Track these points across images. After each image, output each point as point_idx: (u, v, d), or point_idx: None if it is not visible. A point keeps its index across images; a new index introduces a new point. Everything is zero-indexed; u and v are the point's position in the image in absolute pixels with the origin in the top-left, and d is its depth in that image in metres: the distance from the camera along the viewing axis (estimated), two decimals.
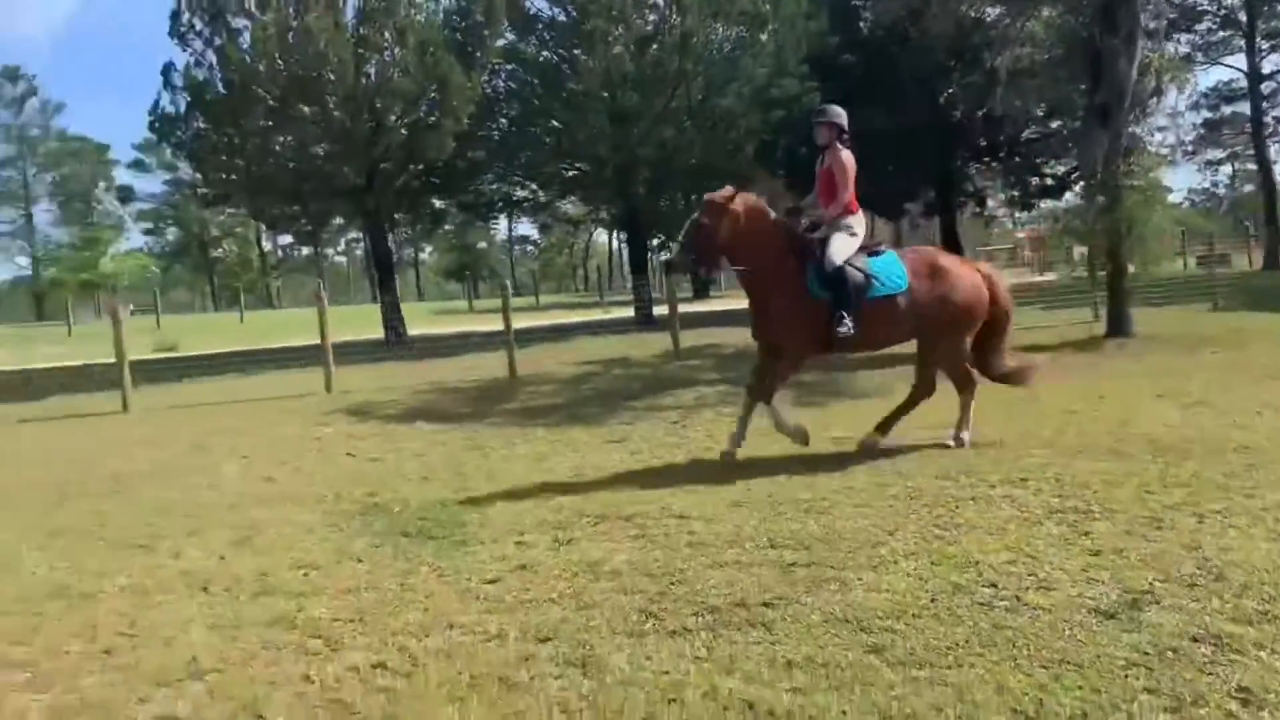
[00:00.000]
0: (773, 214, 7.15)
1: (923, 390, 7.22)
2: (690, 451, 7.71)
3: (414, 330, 22.35)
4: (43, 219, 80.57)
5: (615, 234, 44.92)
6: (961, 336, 7.03)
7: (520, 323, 15.99)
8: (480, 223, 49.00)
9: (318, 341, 14.49)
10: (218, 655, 4.09)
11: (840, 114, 7.14)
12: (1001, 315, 7.20)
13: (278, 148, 21.10)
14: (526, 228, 79.63)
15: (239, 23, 19.97)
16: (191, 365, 18.18)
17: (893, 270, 6.86)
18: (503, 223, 70.42)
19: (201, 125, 20.44)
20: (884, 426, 7.13)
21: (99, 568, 5.47)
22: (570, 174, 24.96)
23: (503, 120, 24.15)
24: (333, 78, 19.52)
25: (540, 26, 24.26)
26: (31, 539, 6.21)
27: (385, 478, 7.55)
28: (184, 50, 20.42)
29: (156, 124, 20.91)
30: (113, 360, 13.70)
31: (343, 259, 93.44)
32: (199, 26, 19.90)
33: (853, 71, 25.24)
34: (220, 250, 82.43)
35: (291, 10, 19.32)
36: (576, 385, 12.17)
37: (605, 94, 22.27)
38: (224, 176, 21.52)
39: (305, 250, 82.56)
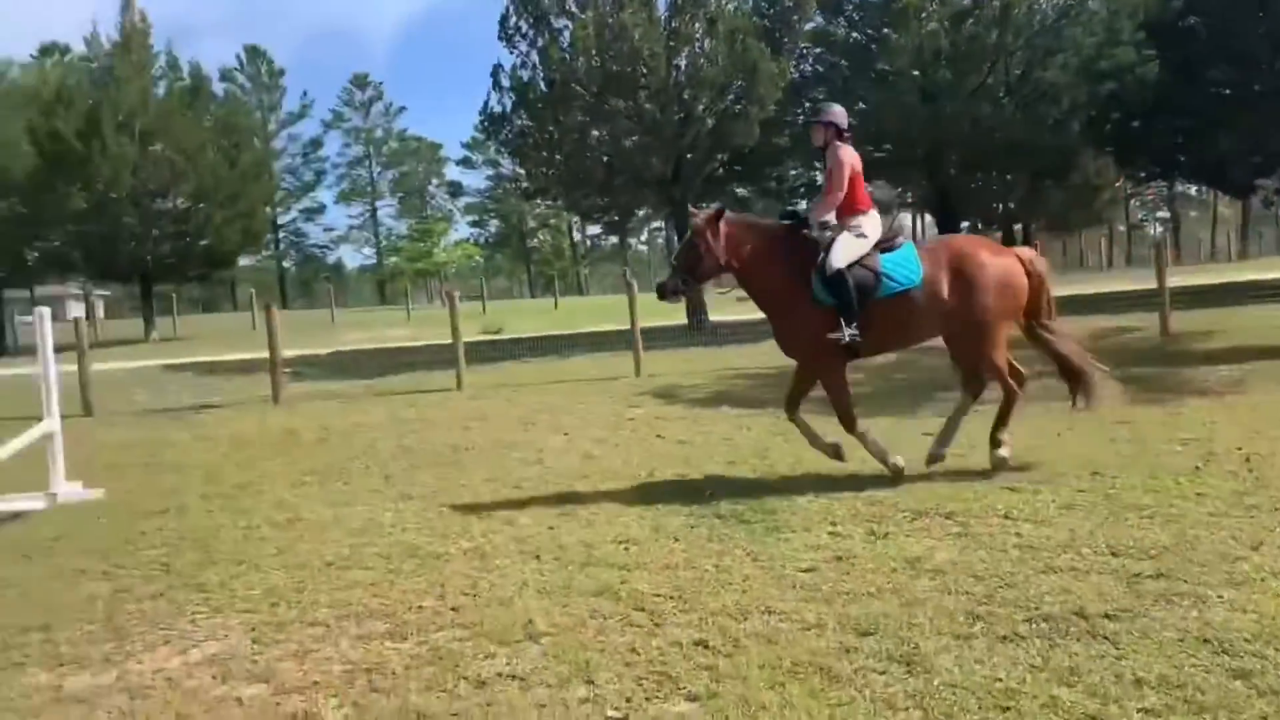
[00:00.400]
0: (767, 225, 6.89)
1: (1009, 388, 6.52)
2: (1011, 449, 7.29)
3: (714, 316, 22.70)
4: (385, 213, 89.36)
5: (922, 217, 43.39)
6: (994, 330, 6.37)
7: None
8: (780, 208, 49.03)
9: (625, 327, 15.04)
10: (550, 620, 4.34)
11: (838, 112, 6.73)
12: (1042, 303, 6.55)
13: (592, 142, 22.13)
14: None
15: (560, 23, 21.15)
16: (514, 347, 19.46)
17: (908, 264, 6.35)
18: (803, 207, 69.91)
19: (525, 123, 21.82)
20: (996, 442, 6.47)
21: (444, 531, 5.98)
22: (877, 156, 24.38)
23: (807, 104, 23.97)
24: (645, 71, 20.21)
25: (850, 7, 23.86)
26: (387, 503, 6.89)
27: (694, 459, 7.71)
28: (511, 52, 21.92)
29: (485, 123, 22.55)
30: (447, 341, 14.92)
31: (644, 247, 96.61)
32: (524, 29, 21.27)
33: (1195, 36, 22.83)
34: (536, 240, 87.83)
35: (608, 7, 20.17)
36: (886, 374, 11.84)
37: (916, 72, 21.54)
38: (543, 171, 22.87)
39: (611, 240, 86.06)
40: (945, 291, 6.31)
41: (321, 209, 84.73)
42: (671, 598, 4.52)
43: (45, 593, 5.25)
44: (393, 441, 9.63)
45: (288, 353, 15.07)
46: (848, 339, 6.24)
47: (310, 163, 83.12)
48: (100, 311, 48.99)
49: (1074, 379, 6.67)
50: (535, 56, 21.34)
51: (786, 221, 6.75)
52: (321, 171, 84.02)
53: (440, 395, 13.40)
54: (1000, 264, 6.41)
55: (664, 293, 6.71)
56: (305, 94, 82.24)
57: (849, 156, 6.51)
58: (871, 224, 6.49)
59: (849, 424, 6.55)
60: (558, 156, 21.86)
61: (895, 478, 6.39)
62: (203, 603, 4.90)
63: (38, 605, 5.03)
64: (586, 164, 22.12)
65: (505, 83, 21.71)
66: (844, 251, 6.30)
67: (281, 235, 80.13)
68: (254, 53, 79.25)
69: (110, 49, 31.09)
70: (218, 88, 37.70)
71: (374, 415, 11.69)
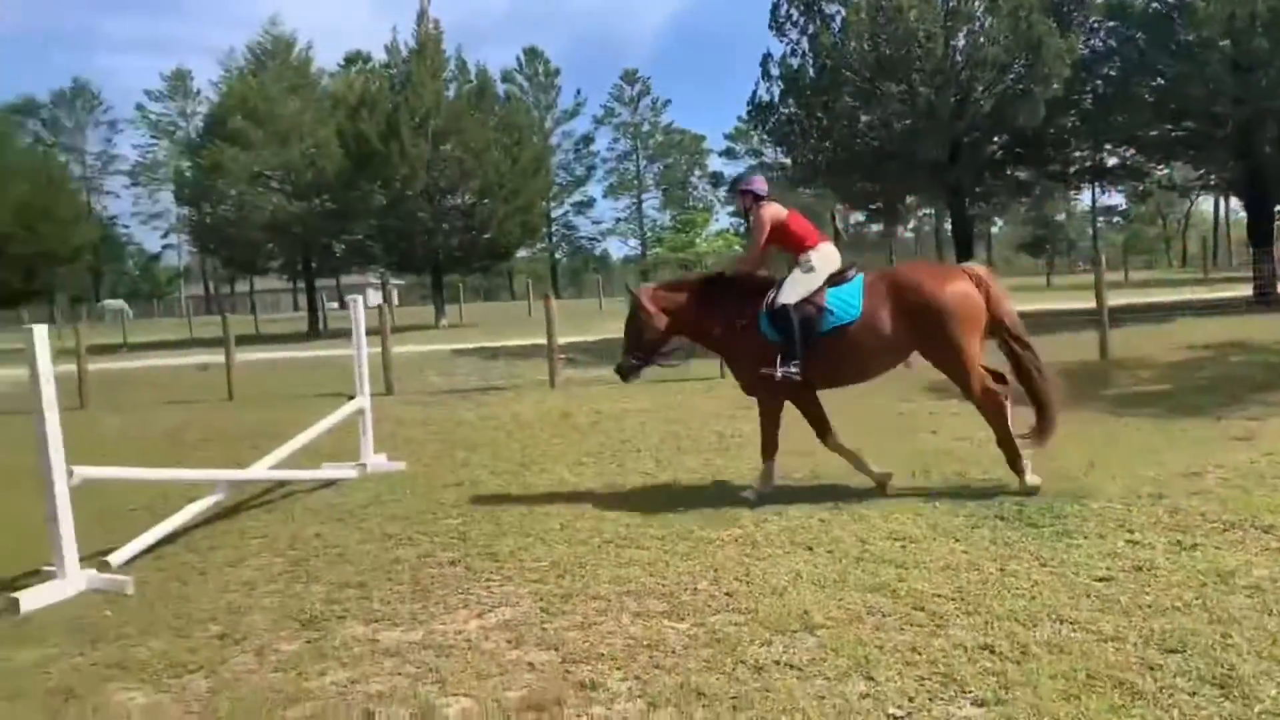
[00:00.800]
0: (694, 278, 7.17)
1: (993, 412, 6.31)
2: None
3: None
4: (649, 205, 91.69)
5: (1226, 200, 39.41)
6: (957, 348, 6.17)
7: (1109, 300, 14.68)
8: (1064, 193, 46.04)
9: None
10: (825, 612, 4.31)
11: (757, 181, 6.85)
12: (1002, 319, 6.31)
13: (862, 127, 21.70)
14: (1112, 197, 73.07)
15: (832, 8, 20.87)
16: None
17: (850, 298, 6.34)
18: (1085, 192, 65.35)
19: (793, 110, 21.71)
20: (1019, 471, 6.19)
21: (714, 517, 6.08)
22: (1176, 135, 22.34)
23: (1097, 82, 22.32)
24: (920, 53, 19.54)
25: None
26: (660, 486, 7.09)
27: (974, 457, 7.40)
28: (780, 40, 21.86)
29: (752, 112, 22.63)
30: None
31: (911, 235, 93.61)
32: (795, 16, 21.16)
33: None
34: None
35: None
36: (1185, 371, 10.89)
37: (1225, 41, 19.52)
38: (810, 158, 22.67)
39: (875, 227, 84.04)
40: (887, 324, 6.26)
41: (591, 203, 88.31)
42: (953, 599, 4.38)
43: (360, 554, 5.79)
44: (661, 427, 9.89)
45: (562, 340, 15.77)
46: (780, 375, 6.30)
47: (581, 158, 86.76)
48: (394, 299, 53.45)
49: (1039, 409, 6.37)
50: (805, 44, 21.17)
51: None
52: (592, 166, 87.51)
53: (704, 383, 13.59)
54: (945, 290, 6.23)
55: (623, 375, 6.93)
56: (579, 92, 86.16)
57: (768, 216, 6.61)
58: (822, 258, 6.48)
59: (767, 452, 6.65)
60: (826, 143, 21.59)
61: (880, 487, 6.51)
62: (495, 571, 5.25)
63: (354, 565, 5.56)
64: (856, 150, 21.71)
65: (774, 71, 21.68)
66: (792, 288, 6.39)
67: (554, 228, 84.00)
68: (532, 54, 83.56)
69: (407, 56, 33.66)
70: (500, 89, 39.85)
71: (641, 401, 12.03)
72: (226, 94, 38.40)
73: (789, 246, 6.60)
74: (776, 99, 21.99)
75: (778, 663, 3.83)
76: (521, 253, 55.66)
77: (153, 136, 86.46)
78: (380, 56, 41.57)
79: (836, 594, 4.55)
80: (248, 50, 38.95)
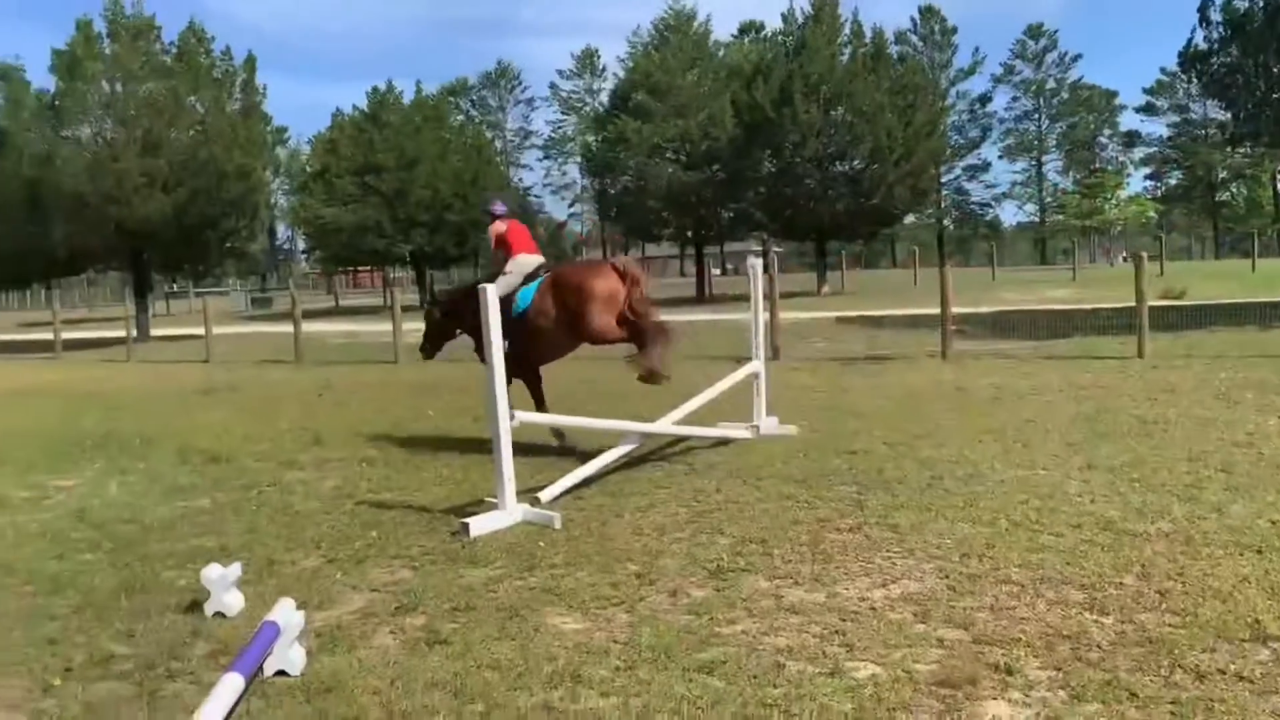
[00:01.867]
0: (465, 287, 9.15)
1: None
2: None
3: None
4: (1049, 167, 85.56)
5: None
6: (599, 326, 7.72)
7: None
8: None
9: None
10: None
11: (491, 202, 8.85)
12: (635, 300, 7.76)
13: None
14: None
15: None
16: (1199, 314, 17.41)
17: (527, 294, 8.03)
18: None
19: (1236, 58, 19.18)
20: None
21: (1139, 508, 5.58)
22: None
23: None
24: None
25: None
26: (1072, 471, 6.63)
27: None
28: None
29: (1184, 62, 20.30)
30: (1118, 304, 13.85)
31: None
32: None
33: None
34: (1228, 194, 77.55)
35: None
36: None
37: None
38: (1256, 112, 19.91)
39: None
40: (551, 310, 7.94)
41: (985, 166, 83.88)
42: None
43: (759, 512, 5.96)
44: (1070, 407, 9.23)
45: (953, 310, 15.17)
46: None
47: (977, 119, 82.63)
48: (776, 266, 54.21)
49: (641, 343, 7.79)
50: None
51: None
52: (988, 128, 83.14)
53: (1117, 362, 12.50)
54: (589, 280, 7.81)
55: (423, 354, 9.35)
56: (976, 50, 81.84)
57: (493, 231, 8.44)
58: (516, 264, 8.21)
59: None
60: (1276, 95, 18.87)
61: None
62: (896, 543, 5.18)
63: (754, 522, 5.74)
64: None
65: (1215, 16, 19.25)
66: (500, 286, 7.61)
67: (944, 193, 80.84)
68: (928, 12, 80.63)
69: (803, 22, 33.77)
70: (893, 49, 38.92)
71: (1045, 378, 11.30)
72: (631, 69, 40.82)
73: (504, 253, 8.36)
74: (1215, 46, 19.52)
75: (1224, 672, 3.45)
76: (908, 219, 54.20)
77: (562, 112, 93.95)
78: (774, 25, 42.11)
79: None
80: (652, 27, 41.03)
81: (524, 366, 8.24)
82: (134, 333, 24.25)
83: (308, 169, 49.56)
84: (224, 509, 6.72)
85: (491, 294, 6.16)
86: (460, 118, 65.64)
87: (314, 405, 9.51)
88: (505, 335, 7.31)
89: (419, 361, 10.59)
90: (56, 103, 27.57)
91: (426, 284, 46.10)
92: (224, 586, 4.48)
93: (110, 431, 10.09)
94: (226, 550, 5.54)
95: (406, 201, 40.86)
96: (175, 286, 63.52)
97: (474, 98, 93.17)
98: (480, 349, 8.29)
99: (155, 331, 30.05)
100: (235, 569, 4.54)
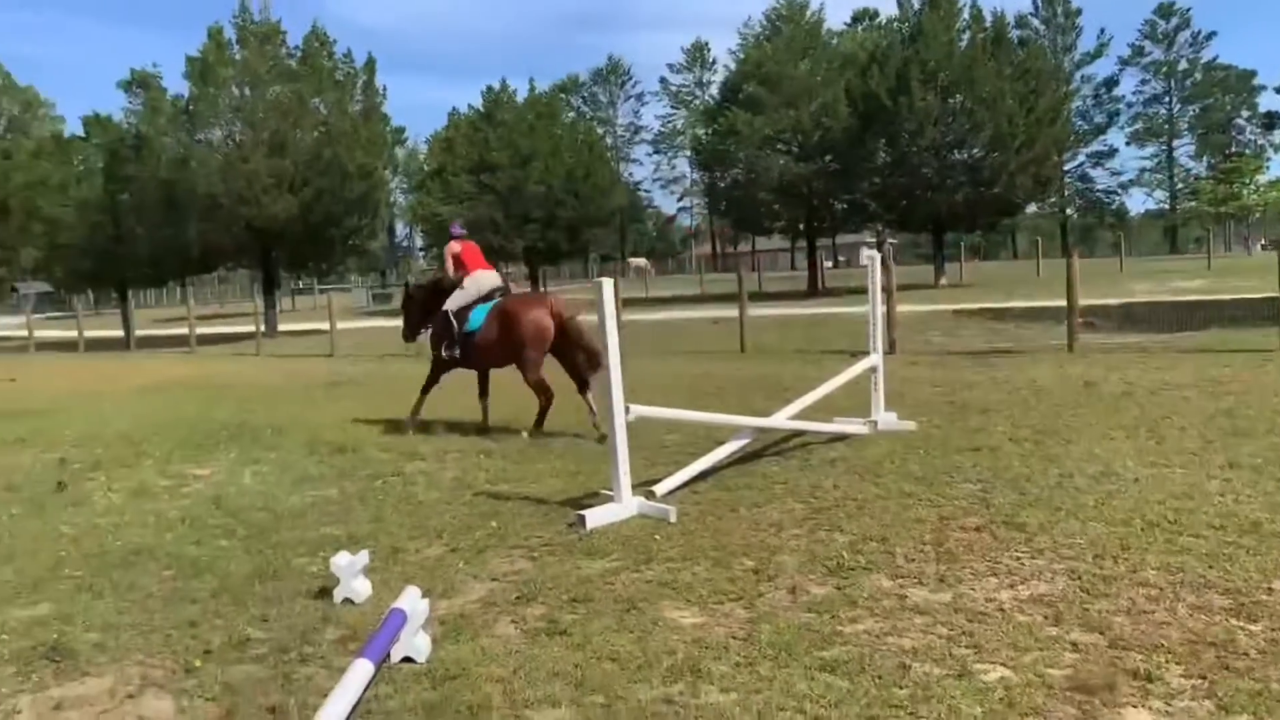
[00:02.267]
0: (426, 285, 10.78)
1: (542, 398, 9.32)
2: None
3: None
4: (1181, 153, 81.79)
5: None
6: (530, 357, 9.17)
7: None
8: None
9: None
10: None
11: (453, 224, 10.90)
12: (572, 333, 9.23)
13: None
14: None
15: None
16: None
17: (478, 316, 9.50)
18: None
19: None
20: (538, 427, 9.22)
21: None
22: None
23: None
24: None
25: None
26: (1212, 470, 6.32)
27: None
28: None
29: None
30: (1260, 295, 13.14)
31: None
32: None
33: None
34: None
35: None
36: None
37: None
38: None
39: None
40: (495, 334, 9.30)
41: (1111, 152, 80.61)
42: None
43: (879, 509, 5.84)
44: (1207, 403, 8.79)
45: (1080, 302, 14.61)
46: (445, 354, 9.69)
47: (1102, 103, 79.50)
48: (891, 257, 53.20)
49: (589, 358, 8.95)
50: None
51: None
52: (1114, 113, 79.90)
53: (1257, 356, 11.85)
54: (528, 315, 9.18)
55: (404, 338, 10.93)
56: (1102, 32, 78.71)
57: (448, 250, 10.07)
58: (473, 281, 9.64)
59: (423, 391, 9.98)
60: None
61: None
62: (1024, 543, 5.01)
63: (874, 519, 5.63)
64: None
65: None
66: (453, 300, 9.62)
67: (1067, 181, 78.03)
68: None
69: (919, 8, 32.99)
70: (1014, 34, 37.69)
71: (1179, 373, 10.80)
72: (742, 61, 40.60)
73: (458, 270, 9.79)
74: None
75: None
76: (1029, 208, 52.51)
77: (672, 106, 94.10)
78: (889, 12, 41.28)
79: None
80: (764, 17, 40.69)
81: (452, 369, 9.89)
82: (263, 328, 25.27)
83: (425, 168, 50.87)
84: (350, 498, 6.93)
85: (607, 288, 6.15)
86: (571, 114, 66.31)
87: (433, 398, 9.79)
88: (456, 344, 9.51)
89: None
90: (190, 107, 28.87)
91: (539, 280, 46.92)
92: (352, 574, 4.61)
93: (243, 423, 10.51)
94: (354, 538, 5.71)
95: (520, 198, 41.50)
96: (301, 284, 65.98)
97: (585, 94, 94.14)
98: (437, 337, 9.96)
99: (282, 327, 31.25)
100: (363, 557, 4.67)
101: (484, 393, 9.90)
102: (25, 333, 31.88)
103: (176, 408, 12.78)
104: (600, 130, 75.64)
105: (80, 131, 39.70)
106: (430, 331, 10.09)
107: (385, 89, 31.73)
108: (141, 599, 4.86)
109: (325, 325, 23.06)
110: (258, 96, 29.01)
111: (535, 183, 41.28)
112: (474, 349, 9.50)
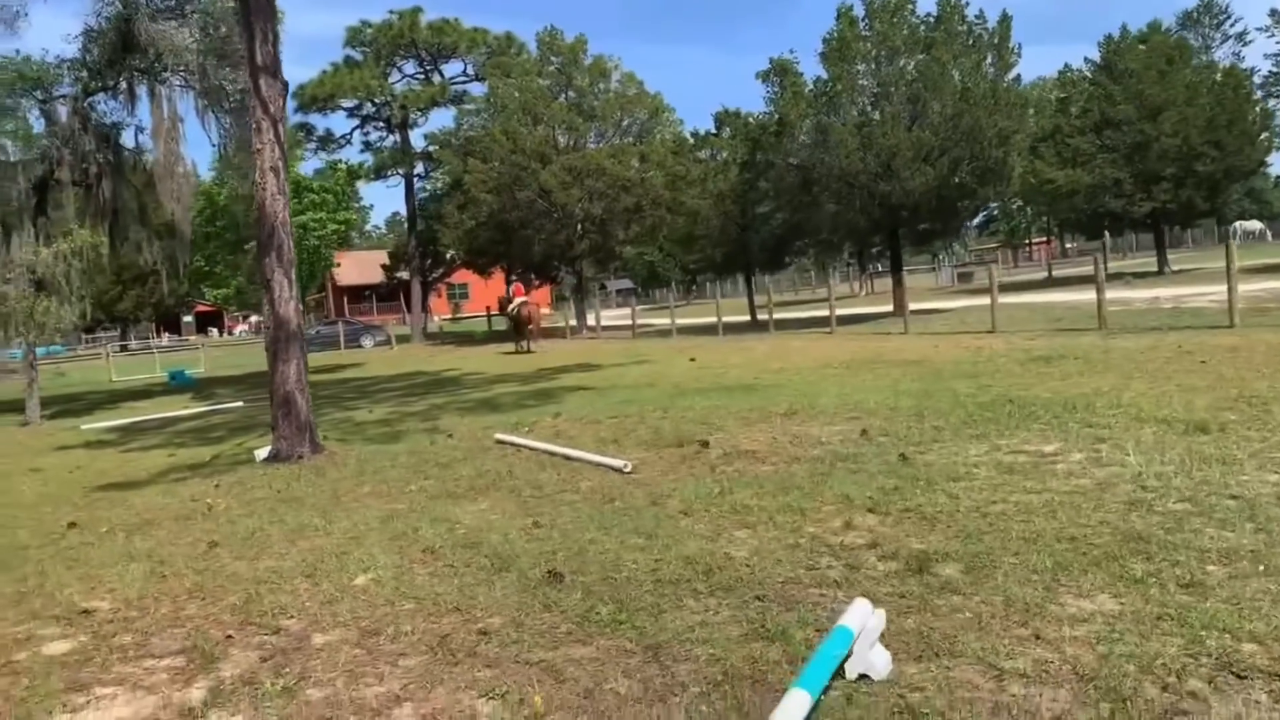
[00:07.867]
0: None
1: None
2: None
3: None
4: None
5: None
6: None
7: None
8: None
9: None
10: None
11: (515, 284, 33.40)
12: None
13: None
14: None
15: None
16: None
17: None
18: None
19: None
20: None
21: None
22: None
23: None
24: None
25: None
26: None
27: None
28: None
29: None
30: None
31: None
32: None
33: None
34: None
35: None
36: None
37: None
38: None
39: None
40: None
41: None
42: None
43: None
44: None
45: None
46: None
47: None
48: None
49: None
50: None
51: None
52: None
53: None
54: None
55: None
56: None
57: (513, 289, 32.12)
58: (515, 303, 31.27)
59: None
60: None
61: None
62: None
63: None
64: None
65: None
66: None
67: None
68: None
69: None
70: None
71: None
72: None
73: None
74: None
75: None
76: None
77: None
78: None
79: None
80: None
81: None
82: (909, 307, 24.78)
83: (1036, 130, 47.40)
84: None
85: None
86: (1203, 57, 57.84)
87: (1195, 369, 8.05)
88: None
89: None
90: (829, 87, 29.30)
91: (1164, 245, 41.37)
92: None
93: (1007, 398, 9.53)
94: None
95: (1147, 155, 36.84)
96: (878, 266, 65.33)
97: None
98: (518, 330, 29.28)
99: (871, 309, 30.76)
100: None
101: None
102: (629, 321, 36.57)
103: (903, 383, 12.32)
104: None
105: (711, 128, 43.07)
106: None
107: (1019, 47, 29.57)
108: None
109: (938, 305, 21.81)
110: (894, 70, 28.58)
111: (1169, 135, 36.29)
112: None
